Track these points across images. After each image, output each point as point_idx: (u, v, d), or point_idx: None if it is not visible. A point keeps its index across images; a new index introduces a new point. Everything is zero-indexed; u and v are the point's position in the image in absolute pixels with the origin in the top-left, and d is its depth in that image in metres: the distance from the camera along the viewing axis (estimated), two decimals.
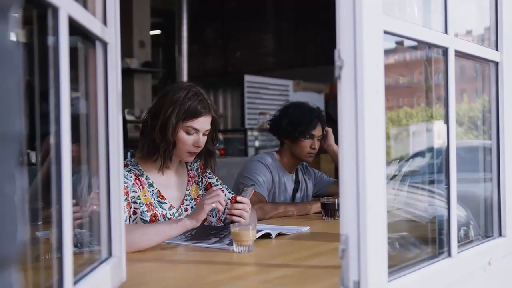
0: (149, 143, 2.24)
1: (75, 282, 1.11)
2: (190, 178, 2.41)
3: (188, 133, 2.22)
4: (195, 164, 2.45)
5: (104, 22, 1.37)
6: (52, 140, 1.03)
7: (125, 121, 5.22)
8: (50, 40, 1.03)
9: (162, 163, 2.26)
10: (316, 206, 2.86)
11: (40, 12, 1.02)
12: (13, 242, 0.59)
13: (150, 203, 2.22)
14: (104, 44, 1.37)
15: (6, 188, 0.57)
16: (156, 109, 2.24)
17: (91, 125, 1.38)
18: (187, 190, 2.38)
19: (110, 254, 1.39)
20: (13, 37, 0.60)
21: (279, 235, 2.22)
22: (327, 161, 5.94)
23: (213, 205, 2.01)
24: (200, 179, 2.44)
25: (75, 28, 1.13)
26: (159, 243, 1.97)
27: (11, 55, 0.58)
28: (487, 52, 1.80)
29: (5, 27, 0.58)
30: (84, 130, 1.37)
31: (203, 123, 2.24)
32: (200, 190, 2.42)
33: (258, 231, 2.06)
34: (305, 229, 2.39)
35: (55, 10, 1.01)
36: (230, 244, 1.94)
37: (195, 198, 2.38)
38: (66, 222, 1.03)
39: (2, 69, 0.57)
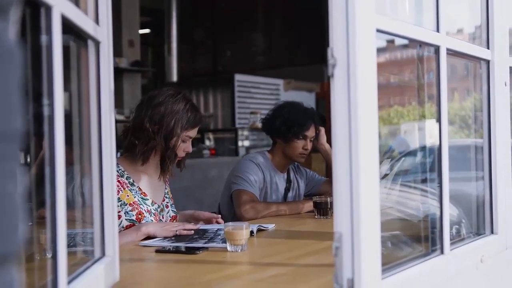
0: (150, 150, 2.30)
1: (69, 282, 1.10)
2: (166, 179, 2.53)
3: (183, 141, 2.35)
4: None
5: (97, 21, 1.36)
6: (44, 140, 1.02)
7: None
8: (43, 39, 1.02)
9: (166, 170, 2.37)
10: (308, 205, 2.87)
11: (33, 10, 1.01)
12: (15, 240, 0.59)
13: (133, 202, 2.29)
14: (97, 43, 1.36)
15: (8, 186, 0.57)
16: (154, 117, 2.29)
17: (84, 125, 1.37)
18: (166, 188, 2.50)
19: (103, 253, 1.38)
20: (13, 36, 0.60)
21: (259, 230, 2.27)
22: (318, 160, 5.95)
23: (177, 233, 2.16)
24: (169, 184, 2.57)
25: (67, 27, 1.13)
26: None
27: (12, 54, 0.58)
28: (478, 50, 1.81)
29: (5, 26, 0.58)
30: (76, 130, 1.37)
31: (196, 131, 2.41)
32: (170, 193, 2.57)
33: None
34: (271, 226, 2.42)
35: (48, 8, 1.00)
36: (224, 242, 1.93)
37: (171, 197, 2.53)
38: (60, 222, 1.02)
39: (4, 68, 0.57)
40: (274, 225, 2.44)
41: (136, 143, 2.30)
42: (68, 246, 1.11)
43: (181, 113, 2.30)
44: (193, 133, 2.37)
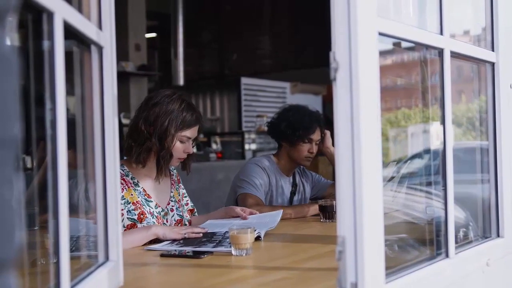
0: (145, 151, 2.30)
1: (72, 286, 1.10)
2: (173, 182, 2.52)
3: (181, 141, 2.34)
4: (174, 170, 2.58)
5: (99, 26, 1.37)
6: (48, 144, 1.03)
7: (121, 125, 5.23)
8: (45, 44, 1.03)
9: (160, 170, 2.36)
10: (314, 209, 2.86)
11: (35, 16, 1.01)
12: (12, 246, 0.60)
13: (137, 201, 2.29)
14: (100, 48, 1.36)
15: (4, 193, 0.58)
16: (149, 118, 2.30)
17: (87, 130, 1.37)
18: (171, 192, 2.49)
19: (107, 258, 1.38)
20: (10, 41, 0.60)
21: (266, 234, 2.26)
22: (325, 163, 5.94)
23: (186, 235, 2.16)
24: (178, 186, 2.56)
25: (70, 32, 1.13)
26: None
27: (8, 60, 0.59)
28: (482, 53, 1.80)
29: (2, 32, 0.58)
30: (80, 135, 1.37)
31: (195, 131, 2.38)
32: (179, 196, 2.54)
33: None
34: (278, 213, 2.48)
35: (50, 14, 1.01)
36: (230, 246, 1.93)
37: (177, 201, 2.50)
38: (63, 227, 1.02)
39: (0, 75, 0.57)
40: (281, 210, 2.53)
41: (133, 145, 2.31)
42: (71, 250, 1.12)
43: (175, 113, 2.30)
44: (190, 133, 2.35)
